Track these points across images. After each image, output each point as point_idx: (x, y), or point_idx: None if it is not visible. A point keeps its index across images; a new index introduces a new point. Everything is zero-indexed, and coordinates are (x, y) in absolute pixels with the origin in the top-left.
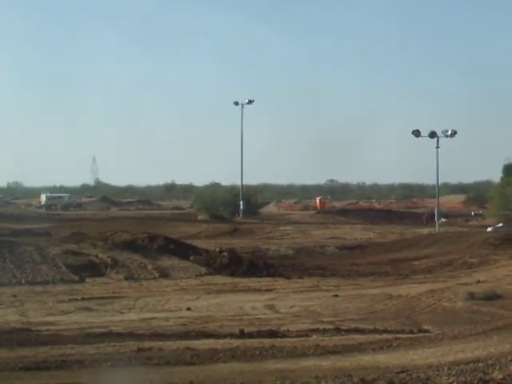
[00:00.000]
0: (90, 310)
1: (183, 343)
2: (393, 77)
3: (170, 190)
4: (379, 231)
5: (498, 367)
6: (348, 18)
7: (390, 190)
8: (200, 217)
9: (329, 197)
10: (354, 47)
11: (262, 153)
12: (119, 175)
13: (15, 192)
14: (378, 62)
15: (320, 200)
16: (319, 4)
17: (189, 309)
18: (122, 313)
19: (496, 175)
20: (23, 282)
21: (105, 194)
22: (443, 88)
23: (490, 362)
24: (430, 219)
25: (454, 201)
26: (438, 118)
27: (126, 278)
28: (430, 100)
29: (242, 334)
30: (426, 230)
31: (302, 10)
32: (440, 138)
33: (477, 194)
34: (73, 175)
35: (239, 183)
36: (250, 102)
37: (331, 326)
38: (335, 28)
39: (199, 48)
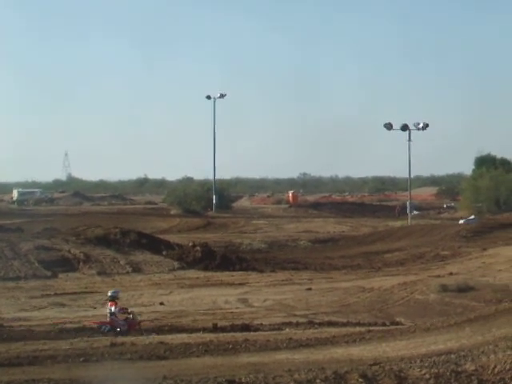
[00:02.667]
0: (62, 305)
1: (156, 338)
2: (363, 70)
3: (143, 184)
4: (352, 224)
5: (470, 359)
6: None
7: (363, 183)
8: (173, 211)
9: (301, 190)
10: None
11: (235, 147)
12: (91, 170)
13: None
14: (345, 57)
15: (293, 194)
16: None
17: (162, 303)
18: (95, 308)
19: (468, 168)
20: None
21: (77, 189)
22: (414, 81)
23: (463, 353)
24: (402, 212)
25: (426, 193)
26: (409, 111)
27: (99, 273)
28: (401, 93)
29: (215, 328)
30: (398, 223)
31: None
32: (412, 131)
33: (449, 186)
34: (45, 170)
35: (212, 177)
36: (222, 96)
37: (304, 320)
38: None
39: (183, 44)
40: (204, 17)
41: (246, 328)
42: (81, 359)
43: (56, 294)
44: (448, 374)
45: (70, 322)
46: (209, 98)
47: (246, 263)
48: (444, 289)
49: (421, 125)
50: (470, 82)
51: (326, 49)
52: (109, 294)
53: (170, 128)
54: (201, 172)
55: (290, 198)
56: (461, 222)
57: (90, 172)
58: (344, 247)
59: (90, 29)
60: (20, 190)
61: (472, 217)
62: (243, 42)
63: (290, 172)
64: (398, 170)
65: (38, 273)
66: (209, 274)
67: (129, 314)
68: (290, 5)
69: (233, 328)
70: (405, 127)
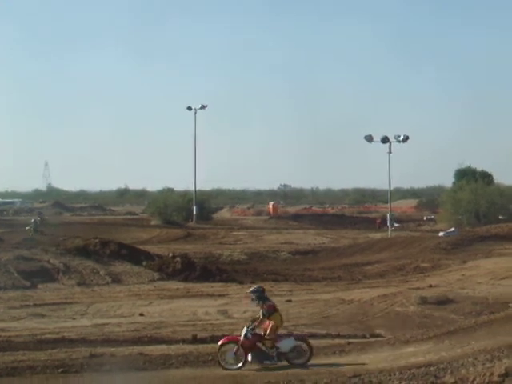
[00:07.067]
0: (42, 316)
1: (136, 349)
2: (345, 83)
3: (123, 195)
4: (332, 236)
5: (449, 371)
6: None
7: (344, 195)
8: (153, 222)
9: (282, 202)
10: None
11: (215, 158)
12: (72, 180)
13: None
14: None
15: (273, 205)
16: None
17: (141, 314)
18: (75, 319)
19: (448, 180)
20: None
21: (57, 199)
22: (395, 93)
23: (442, 366)
24: (383, 224)
25: (407, 205)
26: (390, 124)
27: (79, 284)
28: (383, 106)
29: (194, 340)
30: (378, 235)
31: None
32: (392, 143)
33: (429, 198)
34: (24, 180)
35: (192, 188)
36: (203, 106)
37: (284, 331)
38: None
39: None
40: (193, 23)
41: None
42: (60, 370)
43: (35, 305)
44: None
45: (49, 333)
46: (190, 109)
47: (226, 274)
48: (424, 301)
49: (401, 137)
50: (452, 94)
51: (309, 61)
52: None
53: (151, 139)
54: (181, 183)
55: (271, 210)
56: (441, 234)
57: (70, 182)
58: (324, 259)
59: (71, 40)
60: None
61: (452, 229)
62: (229, 55)
63: (271, 183)
64: (379, 182)
65: (17, 283)
66: (189, 285)
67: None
68: (287, 15)
69: (213, 339)
70: (385, 139)
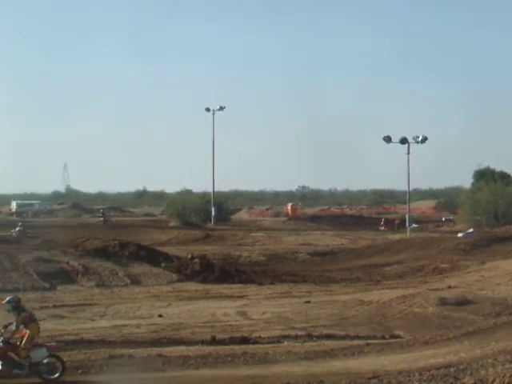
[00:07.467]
0: (61, 317)
1: (154, 350)
2: (362, 83)
3: (142, 196)
4: (351, 237)
5: (468, 372)
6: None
7: (362, 195)
8: (171, 223)
9: (300, 203)
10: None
11: (234, 159)
12: (90, 182)
13: None
14: (351, 68)
15: (292, 206)
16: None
17: (160, 316)
18: (94, 320)
19: (467, 181)
20: None
21: (76, 201)
22: (414, 94)
23: (461, 367)
24: (401, 225)
25: (425, 206)
26: (409, 125)
27: (98, 285)
28: (401, 107)
29: (213, 341)
30: (397, 236)
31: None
32: (411, 144)
33: (448, 199)
34: (44, 182)
35: (211, 190)
36: (222, 108)
37: (303, 332)
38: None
39: (182, 52)
40: (203, 28)
41: (244, 341)
42: (79, 371)
43: (54, 306)
44: None
45: (69, 334)
46: (208, 110)
47: (244, 276)
48: (443, 302)
49: (420, 138)
50: (470, 95)
51: (326, 61)
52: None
53: (169, 140)
54: (200, 184)
55: (289, 211)
56: (459, 235)
57: (89, 184)
58: (343, 260)
59: (89, 40)
60: (19, 201)
61: (471, 230)
62: (243, 52)
63: (289, 185)
64: (397, 183)
65: (36, 285)
66: (207, 286)
67: None
68: (289, 15)
69: (231, 341)
70: (404, 140)
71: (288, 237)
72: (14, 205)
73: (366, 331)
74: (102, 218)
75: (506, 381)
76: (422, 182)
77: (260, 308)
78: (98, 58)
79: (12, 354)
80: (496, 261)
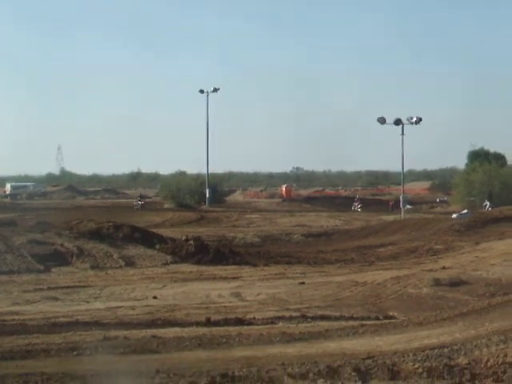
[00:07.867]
0: (55, 299)
1: (149, 332)
2: (356, 65)
3: (136, 178)
4: (345, 218)
5: (463, 352)
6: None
7: (356, 177)
8: (166, 205)
9: (295, 185)
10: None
11: (228, 141)
12: (84, 164)
13: None
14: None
15: (286, 188)
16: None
17: (155, 297)
18: (88, 302)
19: (461, 162)
20: None
21: (70, 183)
22: (407, 75)
23: (456, 347)
24: (395, 206)
25: (420, 187)
26: (402, 105)
27: (92, 267)
28: (395, 88)
29: (208, 322)
30: (391, 217)
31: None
32: (405, 125)
33: (442, 180)
34: (38, 164)
35: (205, 171)
36: (216, 90)
37: (297, 314)
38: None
39: (184, 43)
40: (202, 15)
41: (239, 322)
42: (74, 353)
43: (49, 288)
44: (441, 367)
45: (63, 316)
46: (202, 92)
47: (239, 257)
48: (437, 283)
49: (414, 119)
50: (464, 76)
51: (321, 45)
52: None
53: (163, 122)
54: (194, 166)
55: (284, 192)
56: (454, 216)
57: (83, 166)
58: (337, 241)
59: (83, 27)
60: (13, 183)
61: (465, 211)
62: (240, 40)
63: (283, 166)
64: (391, 165)
65: (30, 267)
66: (202, 268)
67: None
68: (288, 4)
69: (226, 322)
70: (398, 121)
71: (282, 218)
72: (8, 187)
73: (361, 312)
74: (140, 202)
75: (500, 361)
76: (416, 164)
77: (254, 289)
78: (94, 44)
79: None
80: (490, 241)
